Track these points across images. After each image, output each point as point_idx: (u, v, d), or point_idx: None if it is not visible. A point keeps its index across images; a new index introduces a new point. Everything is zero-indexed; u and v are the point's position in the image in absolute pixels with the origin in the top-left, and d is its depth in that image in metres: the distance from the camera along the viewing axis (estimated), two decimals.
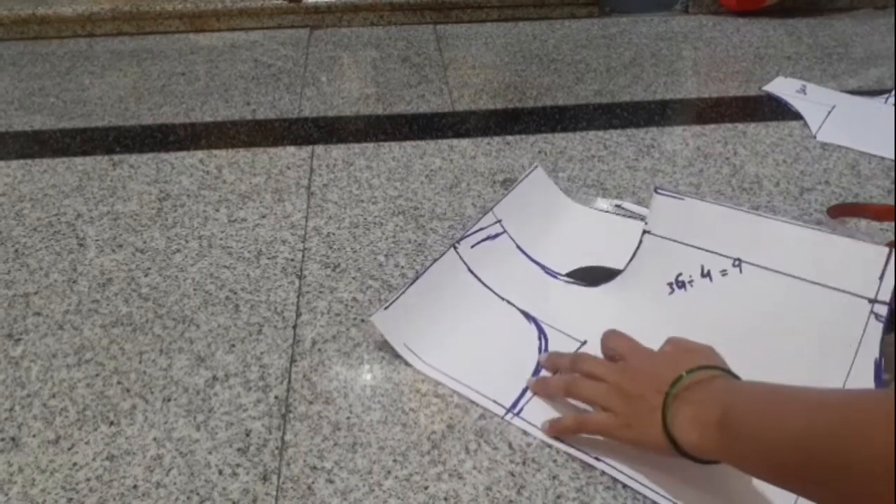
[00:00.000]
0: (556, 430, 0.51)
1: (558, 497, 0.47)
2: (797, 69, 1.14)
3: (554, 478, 0.49)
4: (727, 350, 0.49)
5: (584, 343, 0.59)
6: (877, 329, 0.50)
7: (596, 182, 0.82)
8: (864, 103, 1.01)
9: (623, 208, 0.77)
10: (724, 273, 0.58)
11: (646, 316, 0.60)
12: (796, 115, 0.98)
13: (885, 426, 0.32)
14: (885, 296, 0.51)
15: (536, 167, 0.74)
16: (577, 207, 0.76)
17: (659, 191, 0.62)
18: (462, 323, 0.60)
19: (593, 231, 0.73)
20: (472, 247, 0.64)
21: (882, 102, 1.01)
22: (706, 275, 0.59)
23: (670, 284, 0.60)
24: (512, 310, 0.62)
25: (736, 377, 0.46)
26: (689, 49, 1.24)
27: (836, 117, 0.96)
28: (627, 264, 0.63)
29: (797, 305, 0.55)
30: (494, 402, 0.54)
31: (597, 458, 0.50)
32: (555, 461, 0.50)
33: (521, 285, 0.64)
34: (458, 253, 0.63)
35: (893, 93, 1.02)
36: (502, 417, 0.53)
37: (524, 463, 0.50)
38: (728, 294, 0.58)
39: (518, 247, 0.67)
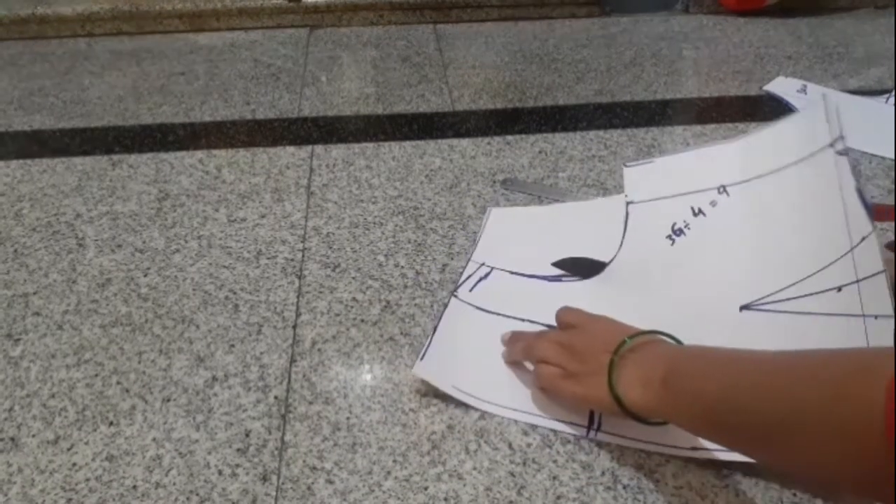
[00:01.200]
0: (510, 358, 0.56)
1: (558, 497, 0.47)
2: (798, 69, 1.14)
3: (554, 478, 0.49)
4: (740, 266, 0.52)
5: None
6: (844, 163, 0.53)
7: (596, 182, 0.82)
8: (865, 103, 1.01)
9: None
10: (713, 204, 0.61)
11: (658, 274, 0.61)
12: None
13: (809, 383, 0.35)
14: (837, 132, 0.54)
15: (490, 211, 0.75)
16: (541, 211, 0.76)
17: (627, 164, 0.64)
18: (499, 355, 0.58)
19: (568, 227, 0.73)
20: (471, 290, 0.64)
21: (882, 102, 1.01)
22: (698, 213, 0.61)
23: (668, 237, 0.62)
24: (538, 328, 0.60)
25: (679, 343, 0.48)
26: (689, 49, 1.24)
27: None
28: (622, 240, 0.64)
29: (784, 193, 0.57)
30: (571, 423, 0.52)
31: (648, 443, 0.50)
32: (555, 461, 0.50)
33: (533, 301, 0.63)
34: (460, 300, 0.63)
35: (893, 93, 1.02)
36: (586, 437, 0.51)
37: (524, 463, 0.50)
38: (724, 219, 0.60)
39: (512, 272, 0.67)
